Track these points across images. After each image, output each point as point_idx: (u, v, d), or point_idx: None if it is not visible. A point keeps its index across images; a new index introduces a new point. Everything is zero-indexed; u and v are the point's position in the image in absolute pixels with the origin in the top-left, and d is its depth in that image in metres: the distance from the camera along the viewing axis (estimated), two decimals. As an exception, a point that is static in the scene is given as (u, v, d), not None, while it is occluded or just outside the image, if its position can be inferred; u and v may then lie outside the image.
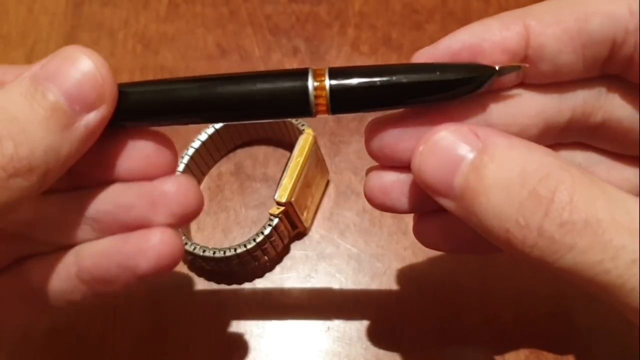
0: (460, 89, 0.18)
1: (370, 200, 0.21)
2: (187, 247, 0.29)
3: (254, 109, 0.19)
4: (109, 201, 0.20)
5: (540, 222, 0.16)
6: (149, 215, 0.19)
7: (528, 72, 0.19)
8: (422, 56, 0.19)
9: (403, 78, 0.18)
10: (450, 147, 0.18)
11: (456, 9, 0.38)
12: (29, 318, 0.21)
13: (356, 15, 0.38)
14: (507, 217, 0.16)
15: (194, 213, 0.20)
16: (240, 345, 0.29)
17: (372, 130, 0.20)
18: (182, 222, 0.20)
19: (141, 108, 0.19)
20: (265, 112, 0.19)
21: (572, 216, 0.16)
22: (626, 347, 0.27)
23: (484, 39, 0.18)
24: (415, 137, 0.19)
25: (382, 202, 0.21)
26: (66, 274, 0.20)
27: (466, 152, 0.17)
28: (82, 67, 0.17)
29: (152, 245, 0.19)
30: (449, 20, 0.37)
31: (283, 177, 0.29)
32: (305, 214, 0.31)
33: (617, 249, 0.15)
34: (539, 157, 0.17)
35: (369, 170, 0.21)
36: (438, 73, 0.18)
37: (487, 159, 0.17)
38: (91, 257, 0.20)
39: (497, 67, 0.18)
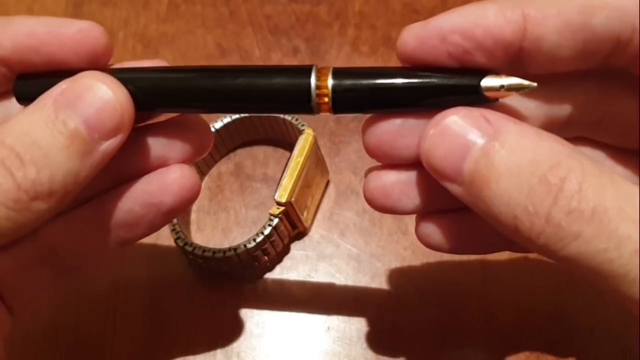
0: (463, 99, 0.18)
1: (370, 202, 0.21)
2: (187, 247, 0.29)
3: (257, 102, 0.19)
4: (126, 146, 0.20)
5: (549, 209, 0.16)
6: (167, 154, 0.20)
7: (522, 63, 0.18)
8: (410, 33, 0.18)
9: (407, 82, 0.18)
10: (460, 132, 0.17)
11: (456, 9, 0.38)
12: (48, 284, 0.21)
13: (356, 15, 0.38)
14: (516, 204, 0.16)
15: (207, 146, 0.22)
16: (240, 346, 0.29)
17: (370, 127, 0.20)
18: (197, 155, 0.21)
19: (143, 95, 0.19)
20: (267, 105, 0.19)
21: (580, 204, 0.16)
22: (626, 347, 0.27)
23: (476, 24, 0.17)
24: (414, 132, 0.19)
25: (383, 203, 0.21)
26: (88, 227, 0.20)
27: (477, 137, 0.17)
28: (102, 96, 0.18)
29: (174, 180, 0.20)
30: (449, 20, 0.37)
31: (283, 177, 0.29)
32: (305, 214, 0.31)
33: (621, 238, 0.15)
34: (550, 145, 0.17)
35: (368, 171, 0.21)
36: (442, 80, 0.18)
37: (499, 146, 0.17)
38: (114, 203, 0.20)
39: (504, 85, 0.18)
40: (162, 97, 0.19)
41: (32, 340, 0.29)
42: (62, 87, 0.18)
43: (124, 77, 0.19)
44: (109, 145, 0.18)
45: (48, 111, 0.18)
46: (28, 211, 0.17)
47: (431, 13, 0.38)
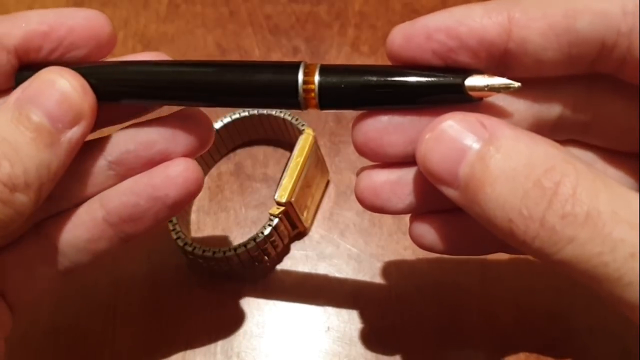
0: (448, 97, 0.18)
1: (361, 201, 0.21)
2: (187, 247, 0.29)
3: (246, 97, 0.20)
4: (129, 140, 0.21)
5: (543, 213, 0.16)
6: (169, 148, 0.21)
7: (508, 65, 0.18)
8: (399, 32, 0.19)
9: (392, 80, 0.18)
10: (456, 137, 0.18)
11: (456, 9, 0.38)
12: (49, 282, 0.22)
13: (356, 15, 0.38)
14: (510, 207, 0.16)
15: (209, 140, 0.22)
16: (240, 345, 0.29)
17: (358, 124, 0.20)
18: (199, 150, 0.21)
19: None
20: (256, 100, 0.20)
21: (574, 208, 0.16)
22: (626, 347, 0.27)
23: (461, 24, 0.18)
24: (400, 130, 0.19)
25: (372, 203, 0.21)
26: (92, 222, 0.21)
27: (472, 142, 0.17)
28: (60, 88, 0.19)
29: (179, 173, 0.21)
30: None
31: (283, 177, 0.29)
32: (305, 214, 0.31)
33: (616, 242, 0.15)
34: (544, 149, 0.17)
35: (360, 170, 0.21)
36: (427, 79, 0.18)
37: (494, 150, 0.17)
38: (118, 197, 0.21)
39: (489, 84, 0.18)
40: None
41: (32, 339, 0.29)
42: (24, 85, 0.19)
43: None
44: (73, 133, 0.19)
45: (12, 109, 0.18)
46: (13, 203, 0.18)
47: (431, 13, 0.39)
